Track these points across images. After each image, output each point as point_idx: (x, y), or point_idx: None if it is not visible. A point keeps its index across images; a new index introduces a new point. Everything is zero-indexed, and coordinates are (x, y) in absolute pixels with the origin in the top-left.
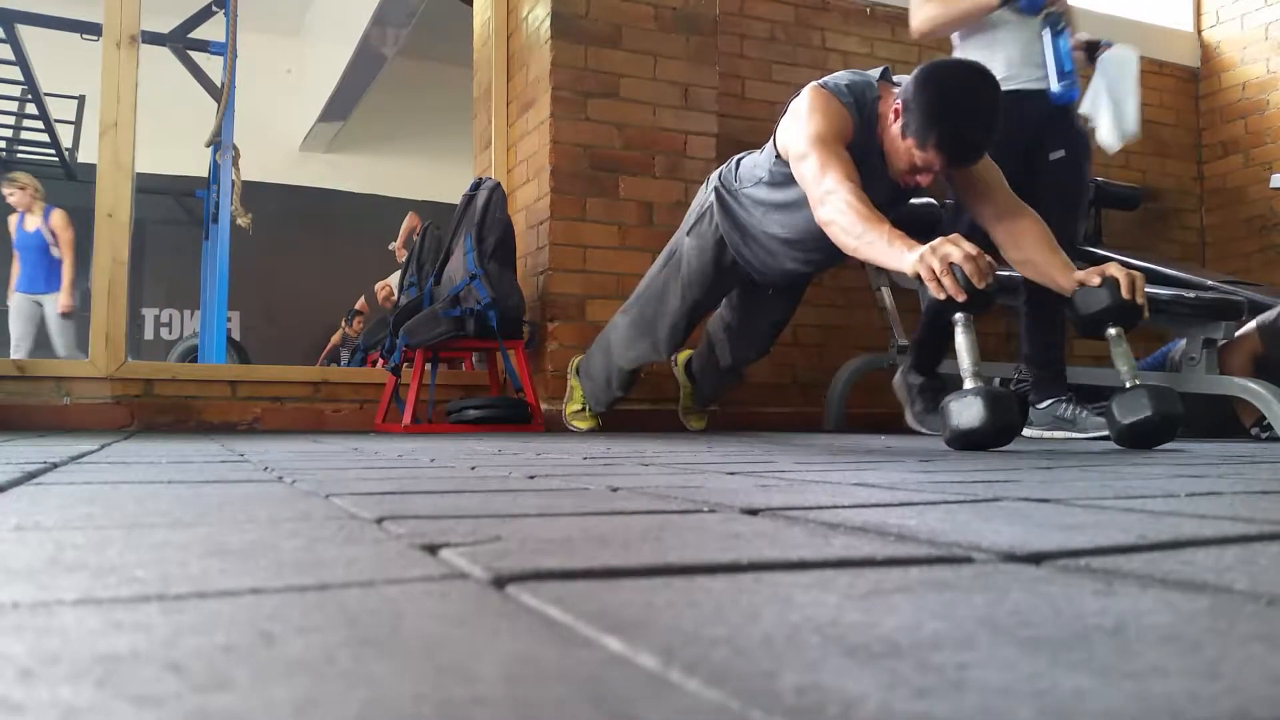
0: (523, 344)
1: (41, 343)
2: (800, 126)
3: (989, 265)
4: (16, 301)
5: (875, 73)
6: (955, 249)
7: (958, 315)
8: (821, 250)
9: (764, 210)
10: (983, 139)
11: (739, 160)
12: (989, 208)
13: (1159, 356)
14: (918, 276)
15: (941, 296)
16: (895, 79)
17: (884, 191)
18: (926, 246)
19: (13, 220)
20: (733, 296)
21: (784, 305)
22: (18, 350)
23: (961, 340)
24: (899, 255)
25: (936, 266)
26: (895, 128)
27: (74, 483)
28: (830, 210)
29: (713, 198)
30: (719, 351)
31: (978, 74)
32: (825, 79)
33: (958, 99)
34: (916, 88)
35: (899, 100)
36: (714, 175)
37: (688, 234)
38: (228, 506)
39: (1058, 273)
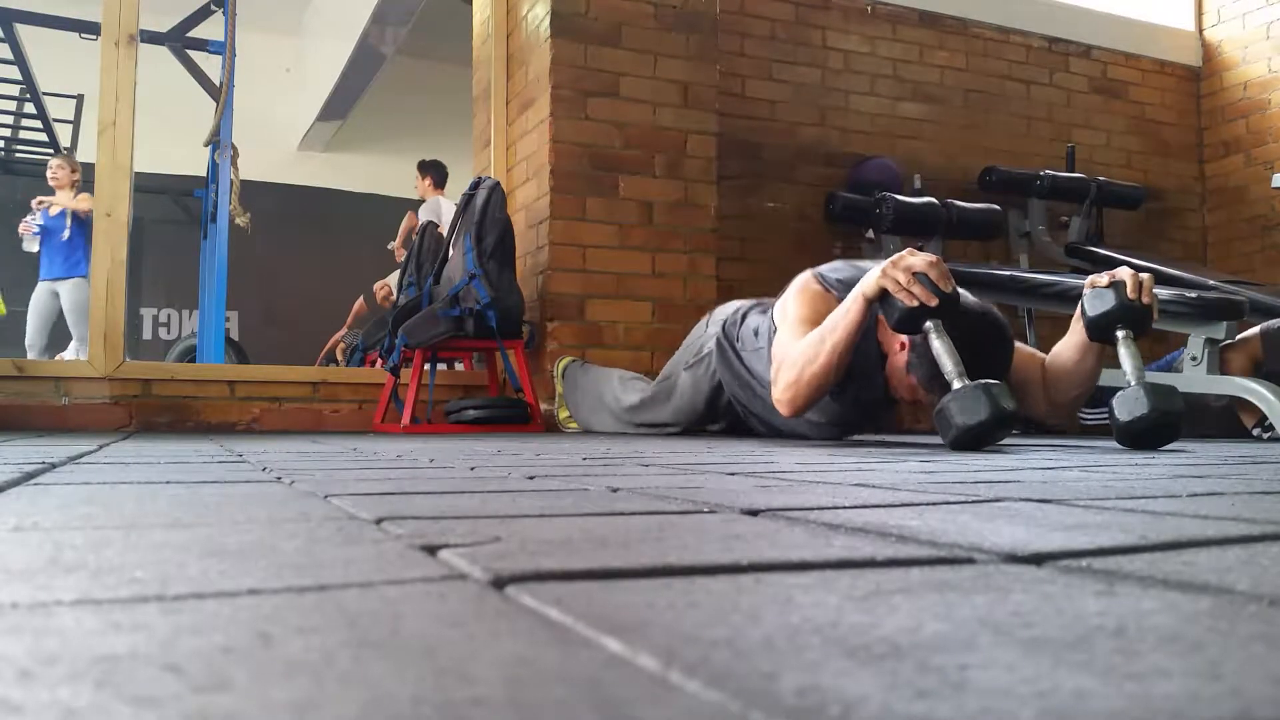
0: (522, 344)
1: (56, 340)
2: (785, 310)
3: (948, 270)
4: (37, 292)
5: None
6: (916, 259)
7: (929, 323)
8: (841, 420)
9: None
10: None
11: (744, 315)
12: (1032, 389)
13: (1164, 364)
14: (883, 291)
15: (914, 304)
16: None
17: (872, 380)
18: (886, 262)
19: (37, 210)
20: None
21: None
22: (31, 350)
23: (939, 346)
24: (856, 295)
25: (901, 278)
26: (901, 357)
27: (72, 483)
28: (785, 383)
29: (713, 346)
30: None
31: (985, 328)
32: (823, 269)
33: (968, 358)
34: (924, 338)
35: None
36: (717, 320)
37: (685, 370)
38: (226, 507)
39: (1075, 335)
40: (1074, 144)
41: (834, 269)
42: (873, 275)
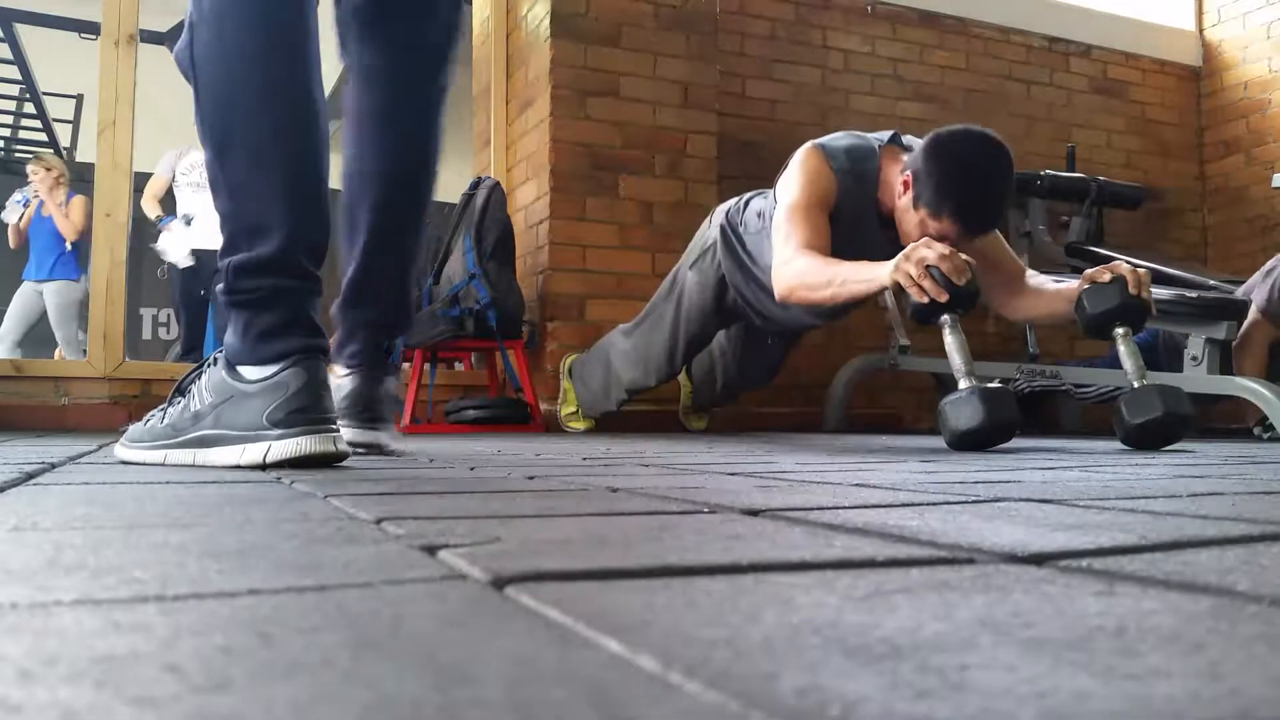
0: (522, 344)
1: (39, 339)
2: (785, 189)
3: (964, 262)
4: (21, 290)
5: (881, 137)
6: (929, 251)
7: (944, 317)
8: (844, 308)
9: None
10: (997, 207)
11: (747, 201)
12: (996, 277)
13: (1148, 335)
14: (897, 285)
15: (924, 300)
16: (905, 141)
17: (877, 254)
18: (900, 255)
19: (32, 208)
20: (731, 330)
21: (780, 349)
22: (2, 343)
23: (951, 341)
24: (873, 275)
25: (913, 271)
26: (906, 199)
27: (72, 483)
28: (788, 278)
29: (717, 235)
30: (717, 371)
31: (990, 141)
32: (825, 139)
33: (971, 168)
34: (927, 158)
35: (908, 171)
36: (720, 210)
37: (690, 268)
38: (226, 507)
39: (1063, 298)
40: (1074, 144)
41: (837, 138)
42: (889, 266)
